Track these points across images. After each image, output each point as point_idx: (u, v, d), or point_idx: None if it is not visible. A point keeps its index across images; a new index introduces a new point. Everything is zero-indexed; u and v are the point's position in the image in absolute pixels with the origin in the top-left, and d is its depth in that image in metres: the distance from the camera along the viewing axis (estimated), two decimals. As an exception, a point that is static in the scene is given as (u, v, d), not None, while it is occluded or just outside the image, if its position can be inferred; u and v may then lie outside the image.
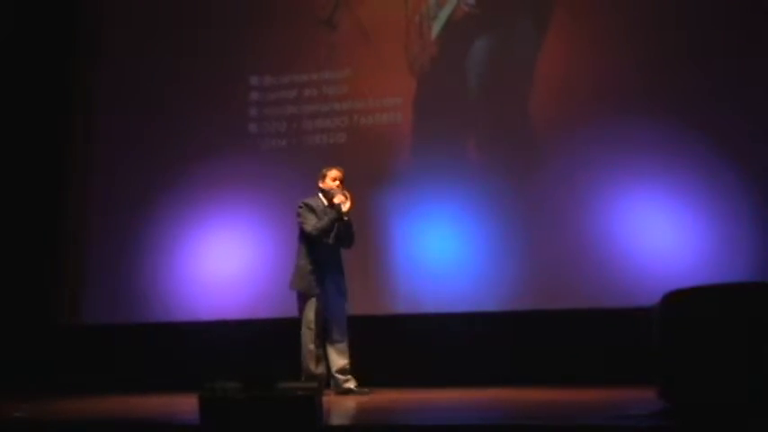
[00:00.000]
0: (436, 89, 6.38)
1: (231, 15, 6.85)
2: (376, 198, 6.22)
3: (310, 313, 5.18)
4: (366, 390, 5.19)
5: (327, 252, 5.28)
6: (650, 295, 3.57)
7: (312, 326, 5.17)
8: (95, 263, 6.77)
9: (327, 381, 5.21)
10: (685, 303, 3.27)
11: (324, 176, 5.36)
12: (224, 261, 6.52)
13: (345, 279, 5.35)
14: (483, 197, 6.11)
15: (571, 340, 5.68)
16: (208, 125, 6.70)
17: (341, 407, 4.40)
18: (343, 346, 5.25)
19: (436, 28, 6.46)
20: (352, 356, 5.25)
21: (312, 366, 5.14)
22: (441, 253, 6.14)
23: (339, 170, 5.36)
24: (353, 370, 5.26)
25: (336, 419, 3.73)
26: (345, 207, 5.19)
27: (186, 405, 3.83)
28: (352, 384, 5.20)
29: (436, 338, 5.96)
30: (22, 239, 6.67)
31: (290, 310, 6.21)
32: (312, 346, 5.15)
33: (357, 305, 5.54)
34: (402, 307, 6.11)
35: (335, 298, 5.28)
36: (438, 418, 3.95)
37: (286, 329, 6.13)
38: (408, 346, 5.95)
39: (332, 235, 5.25)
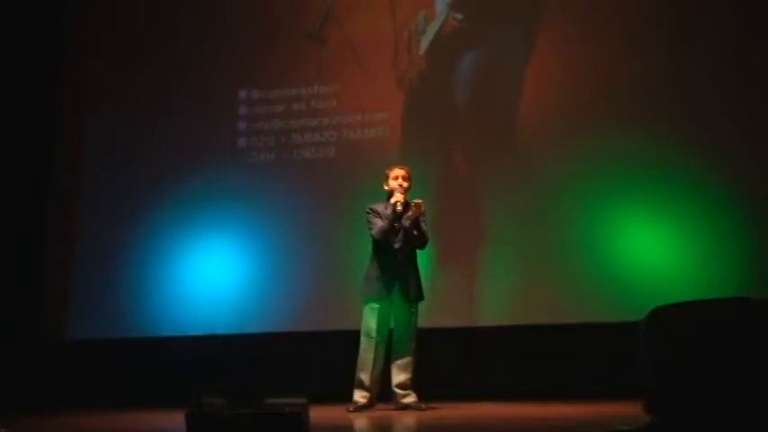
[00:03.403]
0: (425, 103, 6.41)
1: (220, 29, 6.86)
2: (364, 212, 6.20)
3: (372, 321, 4.91)
4: (422, 405, 4.89)
5: (396, 257, 4.97)
6: (637, 310, 3.58)
7: (374, 334, 4.89)
8: (81, 277, 6.72)
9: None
10: (672, 319, 3.28)
11: (387, 177, 5.09)
12: (212, 275, 6.49)
13: (419, 286, 5.02)
14: (471, 211, 6.13)
15: (557, 355, 5.68)
16: (196, 139, 6.69)
17: (335, 422, 4.38)
18: (407, 360, 4.95)
19: (425, 43, 6.49)
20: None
21: (365, 377, 4.88)
22: (431, 267, 6.13)
23: (401, 168, 5.09)
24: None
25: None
26: (400, 206, 4.92)
27: (173, 421, 3.81)
28: (410, 399, 4.94)
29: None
30: (6, 252, 6.62)
31: (278, 324, 6.22)
32: (370, 356, 4.88)
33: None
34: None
35: (403, 307, 4.97)
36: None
37: (274, 344, 6.14)
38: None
39: (398, 237, 5.00)
